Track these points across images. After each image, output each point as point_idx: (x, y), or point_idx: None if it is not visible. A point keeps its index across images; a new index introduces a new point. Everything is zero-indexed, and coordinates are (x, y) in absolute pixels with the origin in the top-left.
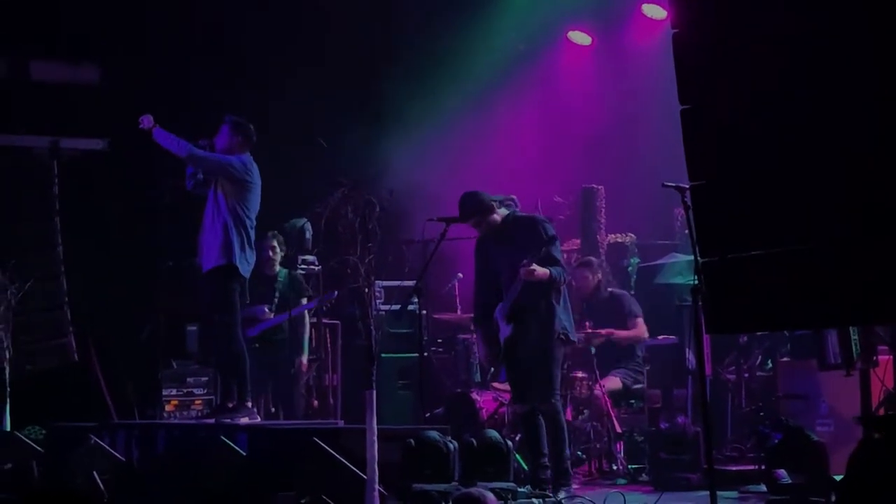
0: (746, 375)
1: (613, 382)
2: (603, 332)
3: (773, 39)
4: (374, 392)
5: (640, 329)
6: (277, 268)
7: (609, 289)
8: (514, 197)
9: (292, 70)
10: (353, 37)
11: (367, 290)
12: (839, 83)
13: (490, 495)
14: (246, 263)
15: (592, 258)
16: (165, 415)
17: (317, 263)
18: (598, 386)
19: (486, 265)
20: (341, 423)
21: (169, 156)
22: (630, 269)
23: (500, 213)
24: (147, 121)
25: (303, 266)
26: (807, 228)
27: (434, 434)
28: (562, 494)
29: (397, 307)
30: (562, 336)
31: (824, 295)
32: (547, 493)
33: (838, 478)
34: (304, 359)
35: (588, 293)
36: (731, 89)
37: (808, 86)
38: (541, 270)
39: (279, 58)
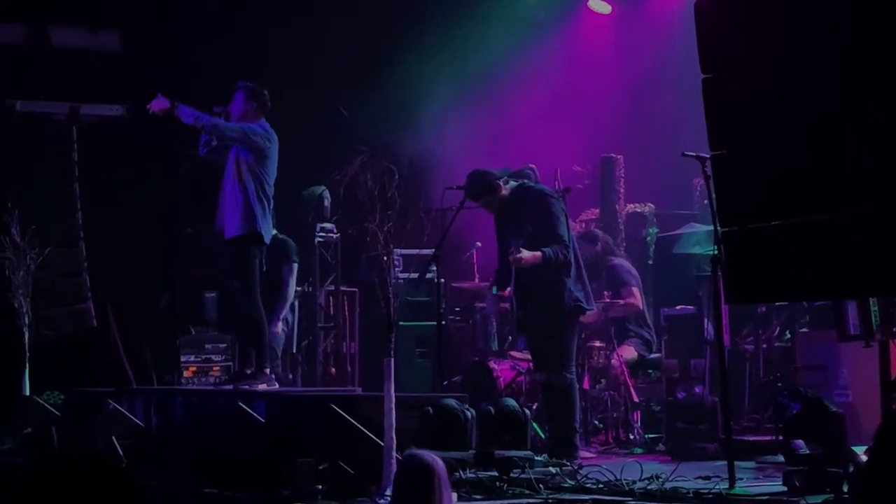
0: (765, 346)
1: (629, 352)
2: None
3: (794, 8)
4: (392, 360)
5: (633, 298)
6: None
7: (612, 259)
8: (534, 166)
9: (311, 37)
10: (374, 4)
11: (385, 258)
12: (861, 53)
13: (440, 462)
14: (268, 229)
15: (597, 231)
16: (183, 381)
17: (335, 231)
18: (615, 355)
19: (502, 241)
20: (359, 391)
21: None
22: (648, 238)
23: (508, 188)
24: (162, 102)
25: (321, 234)
26: (828, 199)
27: (452, 402)
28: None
29: (416, 275)
30: (574, 307)
31: (844, 265)
32: (563, 461)
33: (857, 448)
34: (277, 326)
35: (588, 264)
36: (753, 58)
37: (830, 55)
38: (529, 256)
39: (298, 25)
